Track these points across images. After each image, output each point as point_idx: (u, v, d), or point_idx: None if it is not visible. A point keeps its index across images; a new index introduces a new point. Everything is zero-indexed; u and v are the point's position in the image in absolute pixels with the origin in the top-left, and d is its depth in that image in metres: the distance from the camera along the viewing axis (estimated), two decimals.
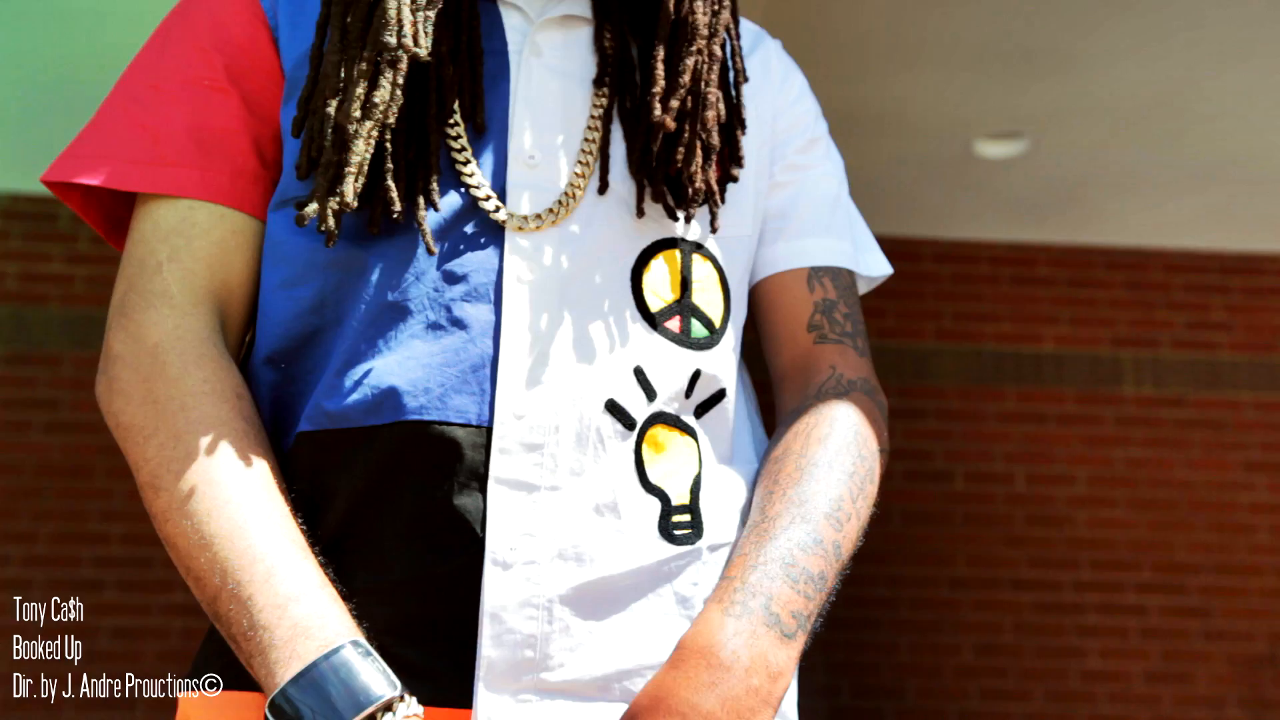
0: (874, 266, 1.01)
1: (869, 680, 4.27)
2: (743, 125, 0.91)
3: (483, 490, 0.77)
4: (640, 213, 0.86)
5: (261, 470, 0.77)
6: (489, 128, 0.85)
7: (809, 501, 0.80)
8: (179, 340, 0.79)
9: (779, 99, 0.97)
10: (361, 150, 0.78)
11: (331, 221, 0.78)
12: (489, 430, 0.78)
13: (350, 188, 0.77)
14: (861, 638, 4.24)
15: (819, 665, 4.16)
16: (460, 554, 0.77)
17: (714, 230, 0.90)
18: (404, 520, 0.77)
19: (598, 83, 0.88)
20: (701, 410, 0.87)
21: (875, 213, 5.08)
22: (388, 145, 0.81)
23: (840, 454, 0.84)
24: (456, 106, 0.84)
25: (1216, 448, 4.47)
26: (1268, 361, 4.59)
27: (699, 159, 0.87)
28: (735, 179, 0.91)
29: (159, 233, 0.82)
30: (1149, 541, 4.40)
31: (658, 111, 0.84)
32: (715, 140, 0.88)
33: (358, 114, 0.78)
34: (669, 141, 0.86)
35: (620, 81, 0.88)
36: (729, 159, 0.91)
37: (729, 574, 0.78)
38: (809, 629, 0.77)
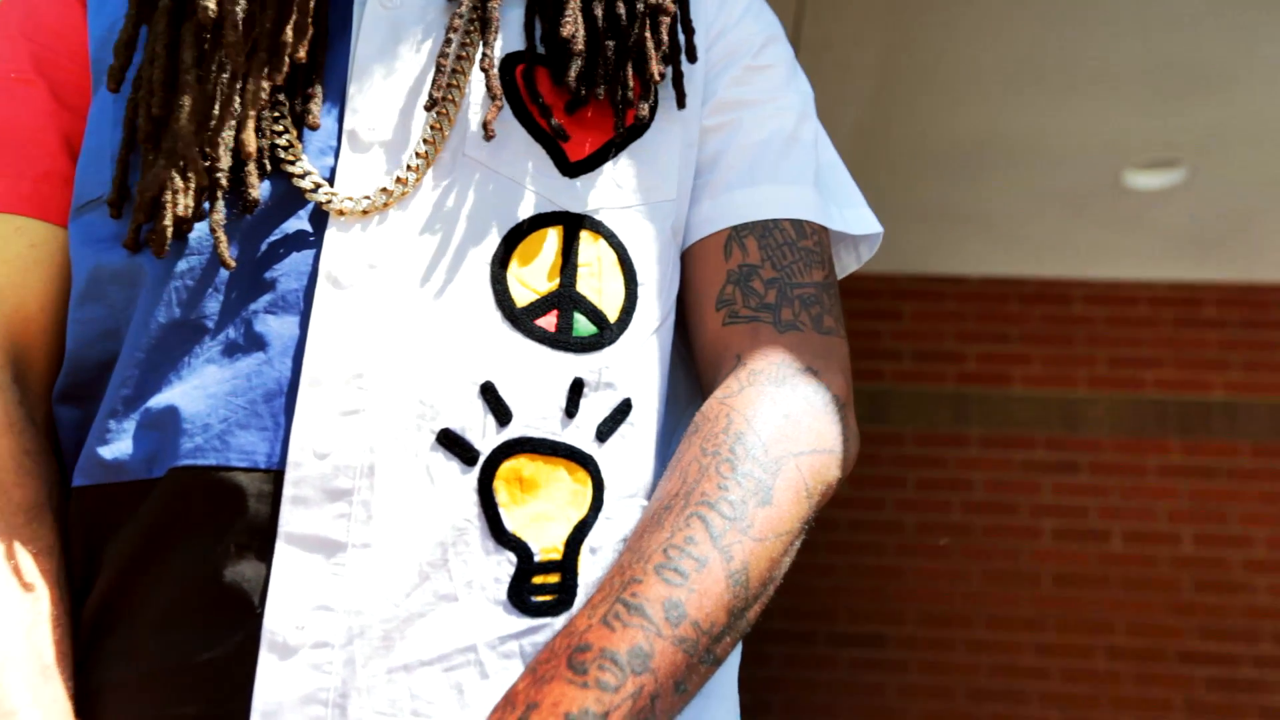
0: (855, 223, 0.80)
1: None
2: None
3: (269, 552, 0.62)
4: (489, 135, 0.69)
5: None
6: (322, 95, 0.70)
7: (638, 561, 0.62)
8: None
9: (715, 24, 0.80)
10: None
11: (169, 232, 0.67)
12: (281, 474, 0.63)
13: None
14: (1009, 711, 3.97)
15: None
16: (231, 636, 0.61)
17: (681, 105, 0.76)
18: (167, 595, 0.63)
19: (454, 27, 0.72)
20: (606, 431, 0.70)
21: (1017, 252, 4.77)
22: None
23: (703, 480, 0.65)
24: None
25: None
26: None
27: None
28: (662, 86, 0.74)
29: None
30: None
31: None
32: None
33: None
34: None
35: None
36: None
37: None
38: None
